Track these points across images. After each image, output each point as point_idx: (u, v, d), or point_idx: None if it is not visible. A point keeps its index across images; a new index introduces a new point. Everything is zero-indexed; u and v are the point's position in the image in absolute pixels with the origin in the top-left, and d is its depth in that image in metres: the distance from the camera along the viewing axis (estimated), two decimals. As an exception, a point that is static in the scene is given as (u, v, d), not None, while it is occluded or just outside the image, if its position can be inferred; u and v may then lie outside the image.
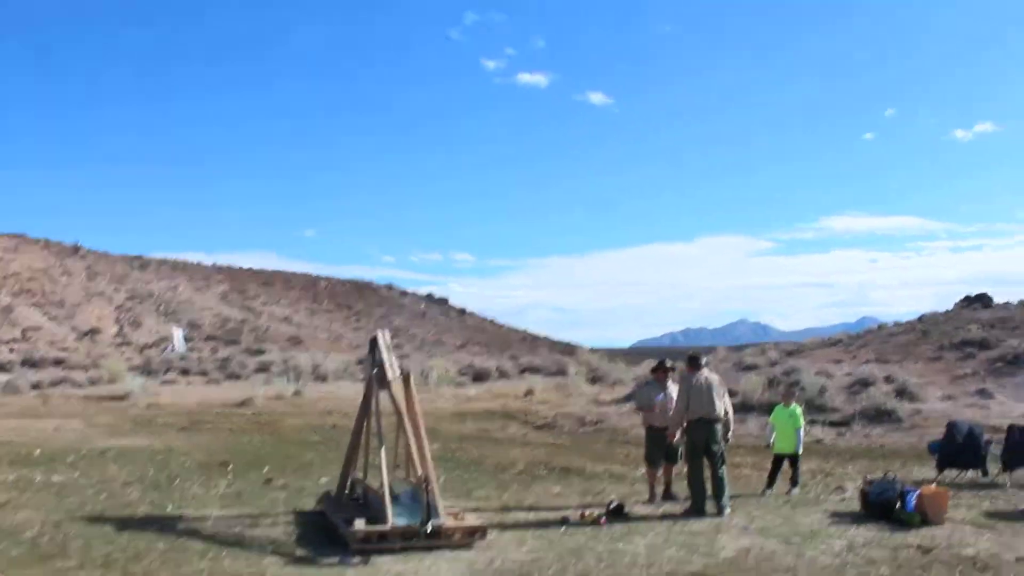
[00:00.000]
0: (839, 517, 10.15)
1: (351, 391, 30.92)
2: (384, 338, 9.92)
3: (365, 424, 10.07)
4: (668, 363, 12.61)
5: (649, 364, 30.62)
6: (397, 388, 9.32)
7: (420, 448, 8.88)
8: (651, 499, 11.54)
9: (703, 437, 10.74)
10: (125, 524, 9.28)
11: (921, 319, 32.38)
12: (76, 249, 65.61)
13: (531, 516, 10.36)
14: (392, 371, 9.46)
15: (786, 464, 12.35)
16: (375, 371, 9.64)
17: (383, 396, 9.72)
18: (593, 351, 44.38)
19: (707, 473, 10.68)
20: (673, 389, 12.18)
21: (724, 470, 10.70)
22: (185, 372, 34.91)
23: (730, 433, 11.25)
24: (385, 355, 9.61)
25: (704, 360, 12.10)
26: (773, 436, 12.54)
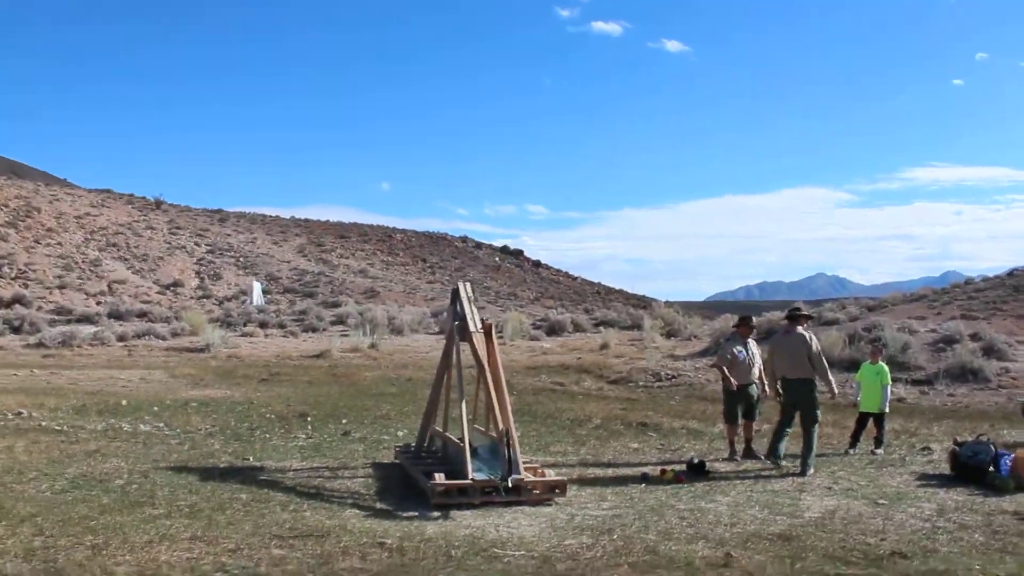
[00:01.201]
0: (927, 479, 9.84)
1: (426, 344, 31.14)
2: (466, 290, 9.85)
3: (445, 376, 10.04)
4: (752, 319, 12.39)
5: (725, 319, 30.32)
6: (479, 340, 9.24)
7: (501, 402, 8.80)
8: (731, 456, 11.36)
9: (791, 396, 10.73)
10: (209, 474, 9.42)
11: (1011, 274, 31.26)
12: (159, 204, 67.09)
13: (610, 472, 10.27)
14: (474, 323, 9.38)
15: (871, 423, 12.03)
16: (456, 323, 9.58)
17: (464, 349, 9.68)
18: (668, 304, 43.88)
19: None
20: (754, 346, 11.97)
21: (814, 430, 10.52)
22: (263, 325, 35.40)
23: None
24: (467, 307, 9.54)
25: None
26: (859, 394, 12.25)
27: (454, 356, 9.64)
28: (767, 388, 11.45)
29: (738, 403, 11.51)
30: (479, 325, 9.46)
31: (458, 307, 9.78)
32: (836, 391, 10.96)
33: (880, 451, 11.65)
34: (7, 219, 51.67)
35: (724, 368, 11.54)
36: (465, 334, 9.44)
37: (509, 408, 8.88)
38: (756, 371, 11.70)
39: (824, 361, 10.72)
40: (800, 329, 10.90)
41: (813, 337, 10.83)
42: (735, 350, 11.60)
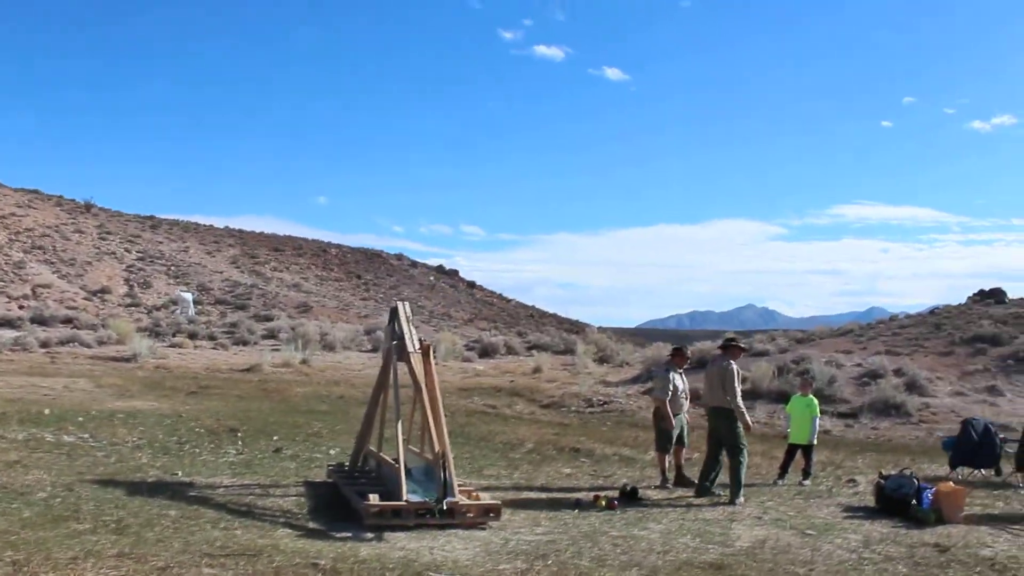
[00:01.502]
0: (853, 511, 10.05)
1: (359, 361, 30.94)
2: (404, 309, 9.83)
3: (381, 396, 9.99)
4: (687, 349, 12.58)
5: (658, 347, 30.65)
6: (416, 361, 9.22)
7: (437, 423, 8.78)
8: (663, 484, 11.47)
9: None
10: (136, 488, 9.23)
11: (933, 312, 32.16)
12: (89, 207, 65.53)
13: (543, 496, 10.29)
14: (412, 343, 9.36)
15: (799, 455, 12.24)
16: (394, 343, 9.55)
17: (400, 369, 9.64)
18: (601, 330, 44.19)
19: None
20: (683, 376, 12.09)
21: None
22: (193, 336, 34.79)
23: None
24: (405, 327, 9.52)
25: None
26: (788, 425, 12.46)
27: (391, 376, 9.60)
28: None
29: (674, 430, 11.63)
30: (417, 346, 9.44)
31: (396, 327, 9.75)
32: (748, 423, 10.88)
33: (808, 482, 11.85)
34: (-73, 217, 50.10)
35: (666, 406, 11.63)
36: (403, 354, 9.41)
37: (445, 430, 8.86)
38: (687, 401, 11.90)
39: (736, 390, 10.71)
40: (725, 359, 11.06)
41: (731, 366, 10.85)
42: (674, 381, 11.72)
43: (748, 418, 10.88)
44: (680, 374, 11.91)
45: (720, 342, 11.83)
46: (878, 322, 33.88)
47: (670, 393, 11.69)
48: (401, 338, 9.46)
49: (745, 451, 10.77)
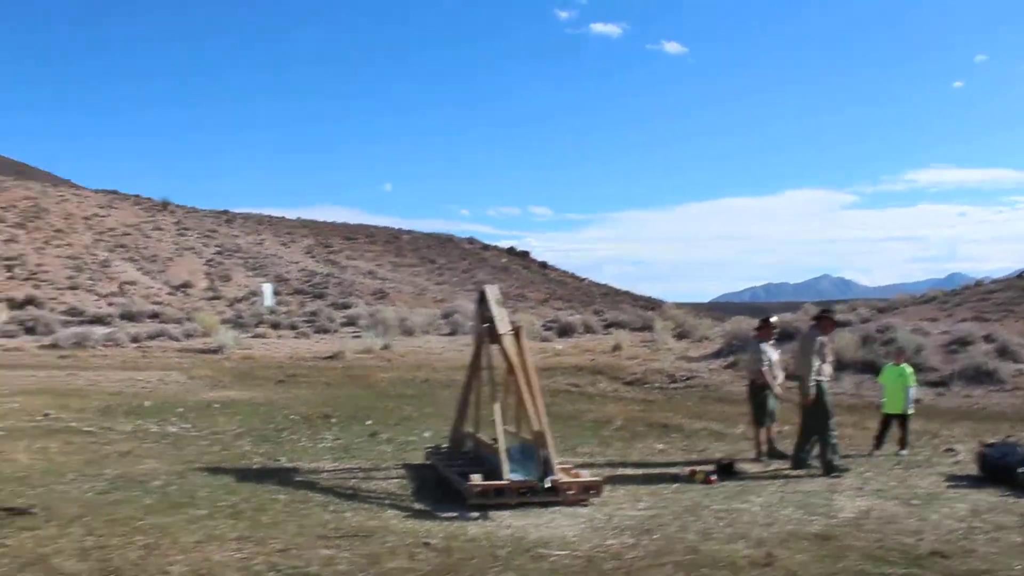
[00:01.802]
0: (956, 480, 9.89)
1: (438, 345, 31.27)
2: (493, 292, 9.91)
3: (475, 378, 10.11)
4: (773, 319, 12.45)
5: (737, 320, 30.35)
6: (509, 342, 9.31)
7: (535, 403, 8.87)
8: (758, 457, 11.41)
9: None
10: (244, 475, 9.50)
11: (1020, 275, 31.28)
12: (165, 205, 67.17)
13: (639, 472, 10.33)
14: (503, 325, 9.45)
15: (894, 426, 12.08)
16: (485, 325, 9.64)
17: (492, 351, 9.74)
18: (677, 306, 43.93)
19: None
20: (773, 347, 12.01)
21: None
22: (275, 326, 35.54)
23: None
24: (495, 309, 9.60)
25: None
26: (883, 396, 12.29)
27: (483, 358, 9.71)
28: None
29: (769, 404, 11.57)
30: (508, 327, 9.52)
31: (486, 309, 9.84)
32: (808, 394, 10.57)
33: (905, 452, 11.70)
34: (16, 220, 51.81)
35: (765, 376, 11.59)
36: (495, 336, 9.50)
37: (543, 409, 8.95)
38: (782, 373, 11.82)
39: (808, 361, 10.54)
40: (812, 331, 11.01)
41: (808, 336, 10.86)
42: (768, 352, 11.67)
43: (809, 389, 10.57)
44: (770, 346, 11.83)
45: (798, 314, 11.69)
46: (963, 288, 33.08)
47: (766, 364, 11.64)
48: (492, 321, 9.55)
49: (828, 431, 10.50)
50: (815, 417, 10.52)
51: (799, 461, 10.66)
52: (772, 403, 11.66)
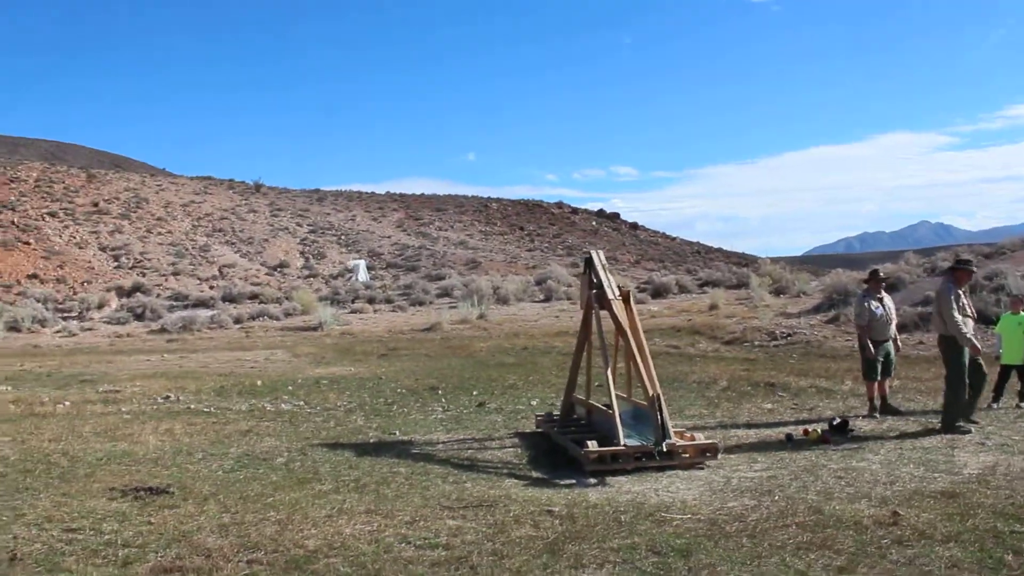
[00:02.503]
0: (1083, 429, 9.62)
1: (533, 312, 31.38)
2: (599, 257, 9.94)
3: (585, 344, 10.16)
4: (881, 272, 12.24)
5: (837, 274, 29.78)
6: (619, 307, 9.34)
7: (647, 367, 8.90)
8: (871, 413, 11.25)
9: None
10: (362, 449, 9.75)
11: None
12: (258, 187, 68.67)
13: (751, 433, 10.29)
14: (611, 290, 9.48)
15: (1014, 376, 11.77)
16: (593, 291, 9.68)
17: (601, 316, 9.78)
18: (772, 261, 43.25)
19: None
20: (889, 300, 11.82)
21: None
22: (371, 300, 36.09)
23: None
24: (603, 274, 9.63)
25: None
26: (1000, 346, 11.98)
27: (593, 323, 9.75)
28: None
29: (879, 359, 11.38)
30: (617, 292, 9.55)
31: (593, 274, 9.88)
32: (974, 345, 10.16)
33: (1025, 403, 11.42)
34: (120, 212, 53.55)
35: (863, 335, 11.41)
36: (604, 301, 9.53)
37: (654, 373, 8.97)
38: (893, 327, 11.59)
39: (951, 315, 10.12)
40: (945, 282, 10.61)
41: (943, 289, 10.48)
42: (871, 307, 11.47)
43: (973, 341, 10.17)
44: (879, 299, 11.61)
45: (900, 264, 11.30)
46: (1075, 228, 31.82)
47: (866, 319, 11.45)
48: (600, 286, 9.58)
49: (962, 385, 10.09)
50: (953, 372, 10.15)
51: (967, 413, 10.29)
52: (887, 357, 11.47)
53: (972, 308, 10.60)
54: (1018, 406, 11.31)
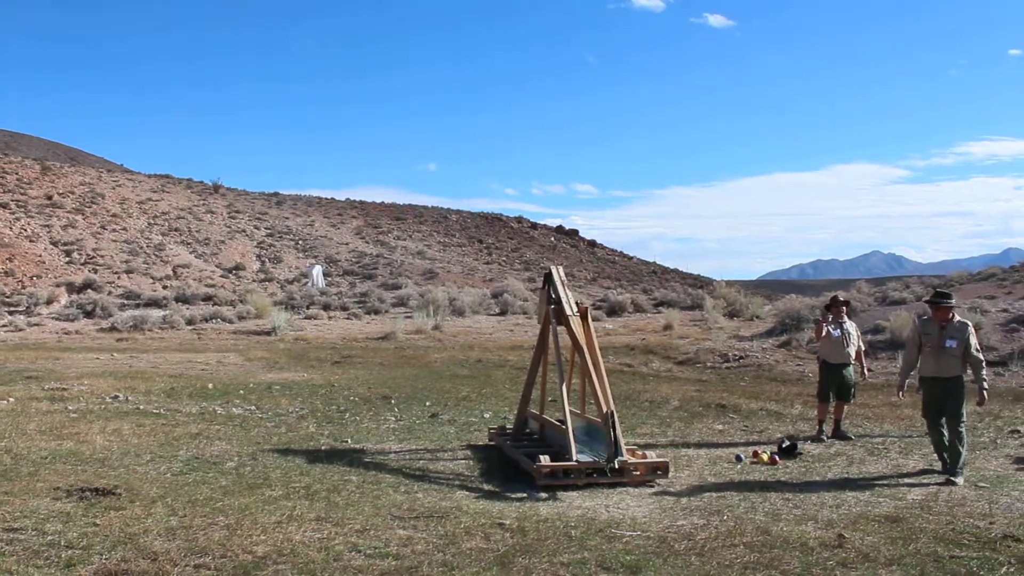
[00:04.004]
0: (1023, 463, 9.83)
1: (488, 325, 31.41)
2: (559, 273, 10.00)
3: (542, 359, 10.20)
4: (842, 297, 12.50)
5: (790, 299, 30.20)
6: (576, 324, 9.39)
7: (602, 384, 8.96)
8: (818, 436, 11.42)
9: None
10: (314, 456, 9.70)
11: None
12: (217, 188, 67.97)
13: (702, 453, 10.40)
14: (569, 306, 9.53)
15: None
16: (552, 307, 9.72)
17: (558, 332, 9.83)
18: (728, 284, 43.70)
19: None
20: (850, 325, 12.03)
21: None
22: (326, 307, 35.88)
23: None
24: (561, 290, 9.68)
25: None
26: None
27: (551, 339, 9.79)
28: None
29: (832, 382, 11.61)
30: (575, 308, 9.61)
31: (552, 290, 9.93)
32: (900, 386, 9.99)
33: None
34: (74, 205, 52.75)
35: (822, 324, 11.89)
36: (561, 317, 9.58)
37: (609, 390, 9.03)
38: (852, 350, 11.82)
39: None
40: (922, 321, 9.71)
41: (928, 330, 9.46)
42: (829, 329, 11.73)
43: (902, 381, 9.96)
44: (839, 323, 11.83)
45: (852, 291, 11.28)
46: (1022, 264, 32.59)
47: (844, 343, 11.74)
48: (559, 302, 9.64)
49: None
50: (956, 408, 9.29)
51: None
52: (843, 382, 11.70)
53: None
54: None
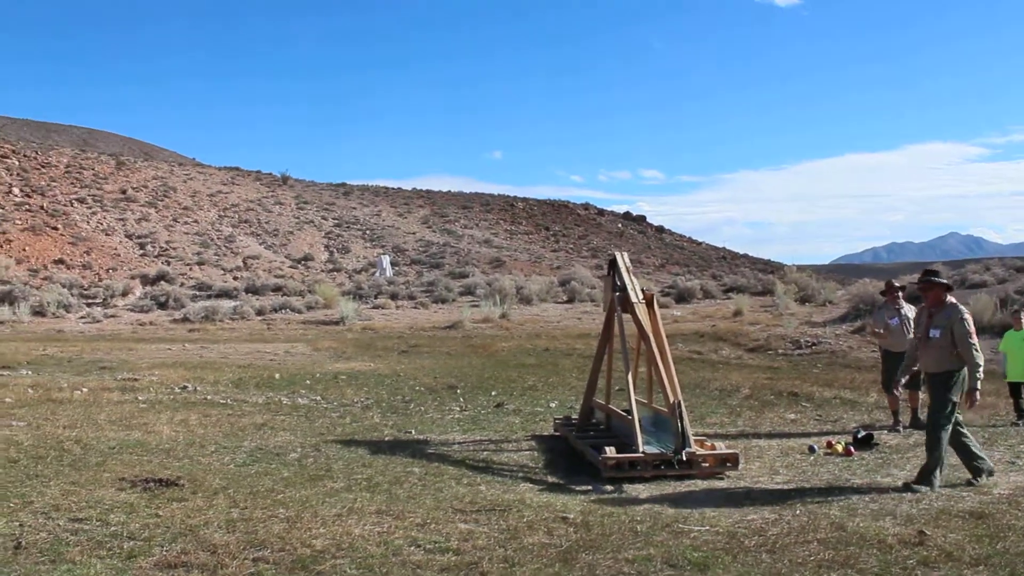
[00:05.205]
0: (1116, 452, 9.35)
1: (556, 313, 31.23)
2: (624, 260, 9.77)
3: (607, 348, 9.99)
4: (896, 283, 12.05)
5: (864, 283, 29.44)
6: (642, 311, 9.16)
7: (668, 373, 8.72)
8: (894, 427, 11.02)
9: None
10: (377, 447, 9.63)
11: None
12: (285, 180, 68.80)
13: (773, 443, 10.08)
14: (635, 294, 9.30)
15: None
16: (617, 294, 9.51)
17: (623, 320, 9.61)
18: (798, 269, 42.88)
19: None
20: (909, 310, 11.60)
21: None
22: (394, 296, 36.03)
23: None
24: (626, 277, 9.46)
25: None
26: (1004, 365, 11.78)
27: (616, 327, 9.58)
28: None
29: (895, 371, 11.18)
30: (640, 295, 9.37)
31: (617, 277, 9.71)
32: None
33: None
34: (147, 199, 53.81)
35: (876, 328, 11.28)
36: (626, 305, 9.35)
37: (676, 379, 8.79)
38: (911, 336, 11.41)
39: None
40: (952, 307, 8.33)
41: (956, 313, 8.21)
42: (886, 318, 11.31)
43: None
44: (897, 310, 11.39)
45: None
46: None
47: (883, 329, 11.30)
48: (624, 289, 9.41)
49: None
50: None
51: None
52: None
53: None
54: (1014, 423, 11.09)
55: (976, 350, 7.95)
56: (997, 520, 6.77)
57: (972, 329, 8.04)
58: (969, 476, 8.10)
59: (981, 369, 8.01)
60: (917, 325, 8.62)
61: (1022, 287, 24.15)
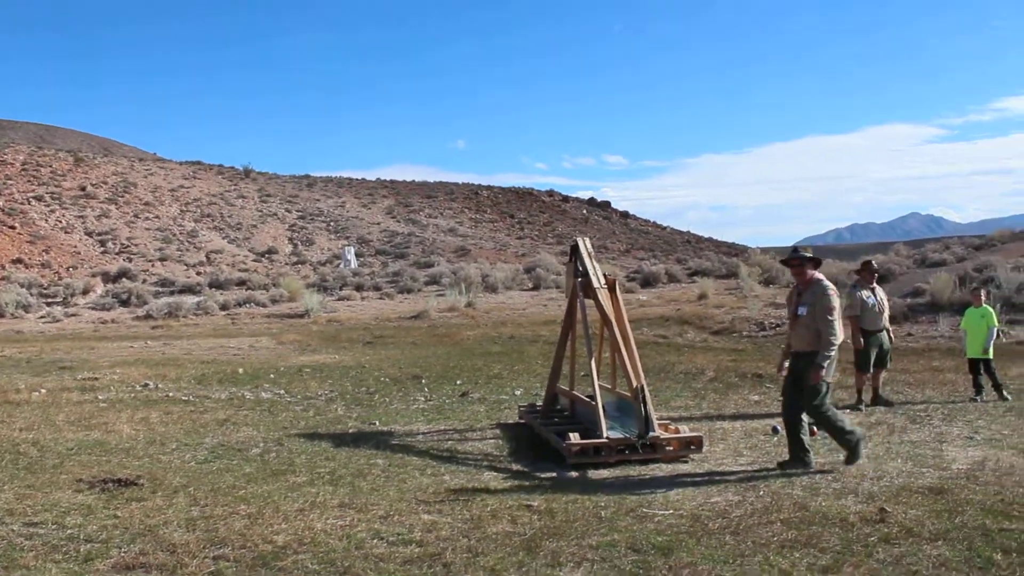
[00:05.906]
0: (1073, 425, 9.47)
1: (521, 300, 31.21)
2: (586, 245, 9.74)
3: (569, 334, 9.97)
4: (874, 263, 12.16)
5: (827, 264, 29.64)
6: (604, 296, 9.14)
7: (631, 358, 8.71)
8: (856, 405, 11.12)
9: None
10: (340, 440, 9.55)
11: None
12: (248, 173, 68.23)
13: (738, 425, 10.13)
14: (597, 279, 9.28)
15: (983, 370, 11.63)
16: (579, 280, 9.48)
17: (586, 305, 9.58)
18: (762, 251, 43.13)
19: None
20: (881, 291, 11.75)
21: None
22: (359, 288, 35.82)
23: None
24: (588, 262, 9.43)
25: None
26: (964, 341, 11.94)
27: (579, 312, 9.55)
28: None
29: (871, 350, 11.30)
30: (603, 280, 9.35)
31: (579, 262, 9.68)
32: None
33: (1009, 396, 11.29)
34: (107, 195, 53.13)
35: (853, 324, 11.24)
36: (589, 290, 9.33)
37: (639, 364, 8.78)
38: (886, 317, 11.51)
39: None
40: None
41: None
42: (863, 297, 11.37)
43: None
44: (871, 290, 11.51)
45: (890, 255, 10.48)
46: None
47: (857, 310, 11.33)
48: (586, 274, 9.39)
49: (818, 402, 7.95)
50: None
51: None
52: (880, 348, 11.39)
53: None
54: (999, 400, 11.21)
55: (833, 327, 7.73)
56: (956, 495, 6.83)
57: (835, 304, 7.84)
58: (785, 460, 8.00)
59: (835, 348, 7.77)
60: (789, 304, 8.45)
61: (981, 265, 24.45)
